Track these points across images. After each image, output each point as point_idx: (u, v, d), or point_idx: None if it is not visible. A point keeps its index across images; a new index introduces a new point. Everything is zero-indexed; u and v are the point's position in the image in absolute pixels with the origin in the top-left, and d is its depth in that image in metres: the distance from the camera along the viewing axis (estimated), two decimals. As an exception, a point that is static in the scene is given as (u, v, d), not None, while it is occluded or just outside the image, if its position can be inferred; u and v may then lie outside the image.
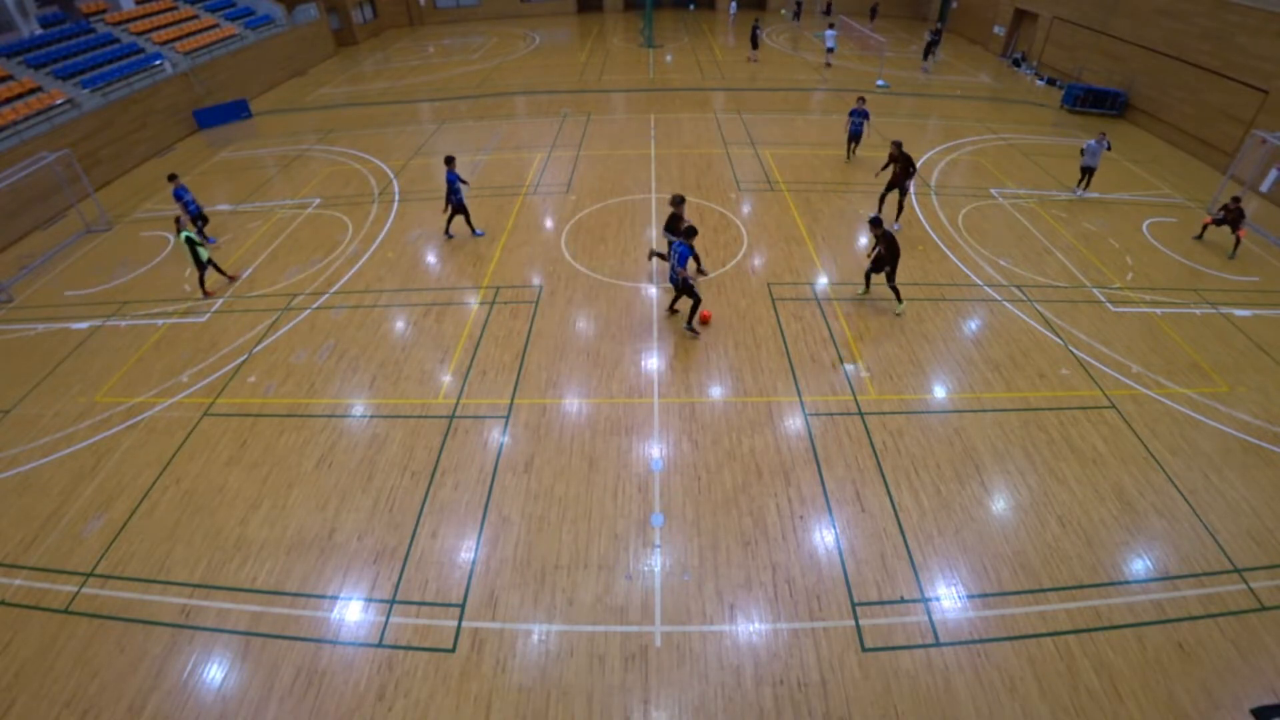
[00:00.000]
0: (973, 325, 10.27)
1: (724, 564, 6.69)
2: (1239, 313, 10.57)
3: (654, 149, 17.27)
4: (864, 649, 5.93)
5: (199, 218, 13.02)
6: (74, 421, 8.93)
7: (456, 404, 8.86)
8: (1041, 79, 23.65)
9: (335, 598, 6.50)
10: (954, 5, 31.48)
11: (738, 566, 6.66)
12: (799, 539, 6.93)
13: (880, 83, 22.92)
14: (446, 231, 13.02)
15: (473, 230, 13.08)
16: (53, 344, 10.58)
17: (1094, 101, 19.91)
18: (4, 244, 14.11)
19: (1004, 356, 9.54)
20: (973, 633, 6.06)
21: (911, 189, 13.36)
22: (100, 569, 6.90)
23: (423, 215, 14.07)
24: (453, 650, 6.02)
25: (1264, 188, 14.68)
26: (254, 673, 5.90)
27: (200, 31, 23.08)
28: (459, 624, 6.22)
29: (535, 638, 6.09)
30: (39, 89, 17.00)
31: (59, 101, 16.81)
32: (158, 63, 20.22)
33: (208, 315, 11.03)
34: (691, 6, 39.25)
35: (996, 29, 27.40)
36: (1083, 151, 14.01)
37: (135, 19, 22.02)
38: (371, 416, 8.73)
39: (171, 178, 12.88)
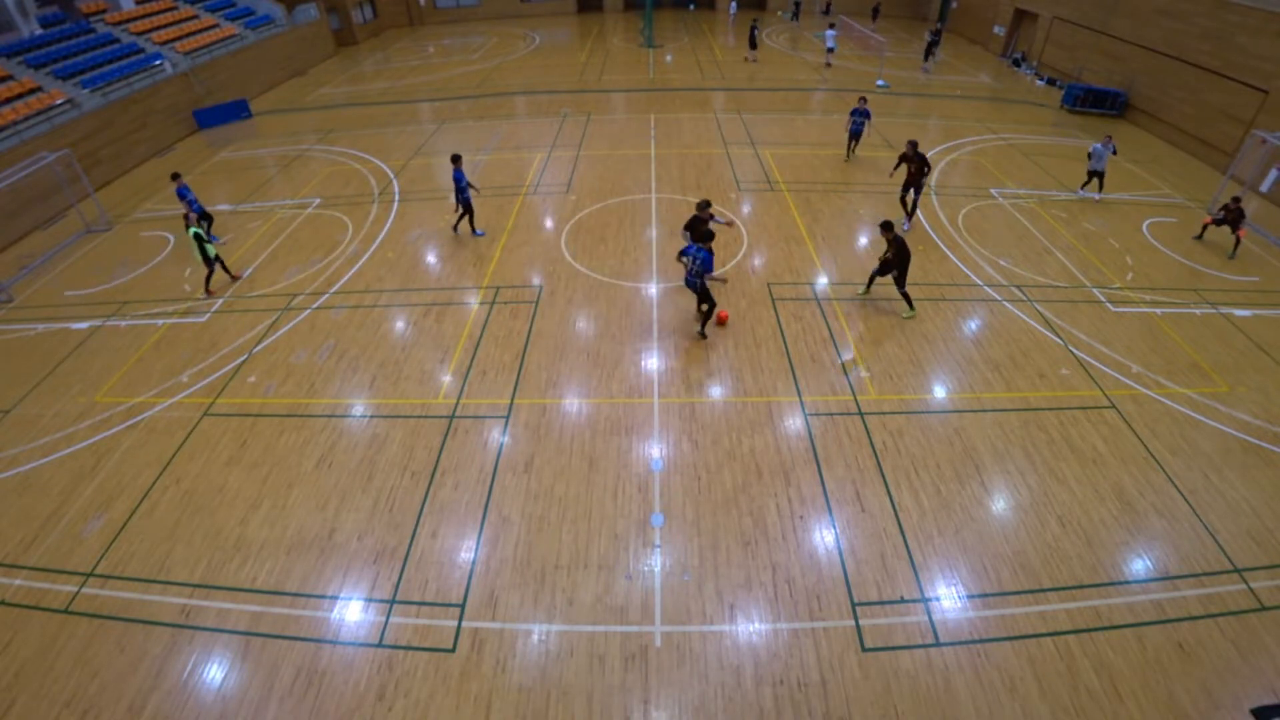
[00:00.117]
0: (973, 325, 10.27)
1: (724, 564, 6.69)
2: (1239, 313, 10.57)
3: (654, 149, 17.27)
4: (864, 649, 5.93)
5: (203, 216, 13.03)
6: (74, 421, 8.93)
7: (456, 404, 8.86)
8: (1041, 79, 23.65)
9: (335, 598, 6.50)
10: (954, 5, 31.49)
11: (738, 566, 6.66)
12: (799, 539, 6.93)
13: (880, 83, 22.93)
14: (468, 228, 13.08)
15: (473, 230, 13.09)
16: (53, 344, 10.58)
17: (1094, 101, 19.91)
18: (4, 244, 14.12)
19: (1004, 356, 9.55)
20: (973, 633, 6.06)
21: (927, 186, 13.24)
22: (100, 569, 6.91)
23: (423, 215, 14.08)
24: (453, 650, 6.02)
25: (1264, 188, 14.68)
26: (254, 673, 5.90)
27: (200, 31, 23.09)
28: (459, 624, 6.22)
29: (535, 638, 6.09)
30: (39, 89, 17.00)
31: (59, 101, 16.81)
32: (158, 63, 20.22)
33: (208, 315, 11.03)
34: (691, 6, 39.26)
35: (996, 29, 27.41)
36: (1090, 155, 13.98)
37: (135, 19, 22.02)
38: (371, 416, 8.73)
39: (174, 176, 12.89)
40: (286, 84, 25.86)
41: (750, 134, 18.33)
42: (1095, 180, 14.15)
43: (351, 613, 6.37)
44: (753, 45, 26.32)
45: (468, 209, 12.58)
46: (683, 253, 9.35)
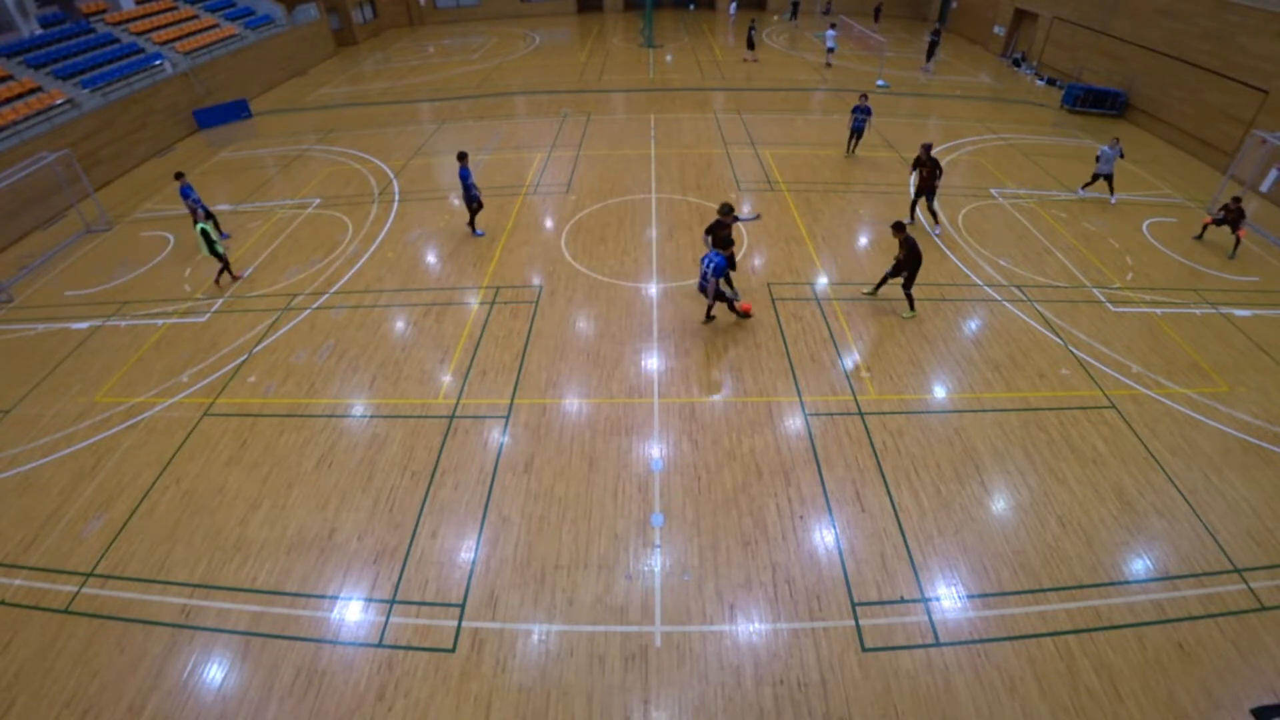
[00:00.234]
0: (973, 325, 10.27)
1: (724, 564, 6.69)
2: (1239, 313, 10.57)
3: (654, 149, 17.27)
4: (864, 649, 5.93)
5: (207, 215, 13.01)
6: (74, 421, 8.93)
7: (456, 404, 8.86)
8: (1041, 79, 23.65)
9: (335, 598, 6.50)
10: (954, 5, 31.48)
11: (738, 566, 6.66)
12: (799, 539, 6.93)
13: (880, 83, 22.92)
14: (473, 227, 13.07)
15: (474, 230, 13.10)
16: (53, 344, 10.58)
17: (1094, 101, 19.91)
18: (4, 244, 14.12)
19: (1004, 356, 9.54)
20: (973, 633, 6.06)
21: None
22: (100, 569, 6.91)
23: (423, 215, 14.08)
24: (453, 650, 6.02)
25: (1264, 188, 14.68)
26: (254, 673, 5.90)
27: (200, 31, 23.09)
28: (459, 624, 6.22)
29: (535, 638, 6.09)
30: (39, 89, 17.00)
31: (59, 101, 16.81)
32: (158, 63, 20.22)
33: (208, 315, 11.03)
34: (691, 6, 39.26)
35: (996, 29, 27.40)
36: (1098, 158, 13.92)
37: (135, 19, 22.02)
38: (371, 416, 8.73)
39: (178, 176, 12.84)
40: (286, 84, 25.86)
41: (750, 134, 18.33)
42: (1104, 183, 14.11)
43: (351, 613, 6.37)
44: (750, 46, 26.30)
45: (479, 206, 12.57)
46: (704, 259, 9.33)
